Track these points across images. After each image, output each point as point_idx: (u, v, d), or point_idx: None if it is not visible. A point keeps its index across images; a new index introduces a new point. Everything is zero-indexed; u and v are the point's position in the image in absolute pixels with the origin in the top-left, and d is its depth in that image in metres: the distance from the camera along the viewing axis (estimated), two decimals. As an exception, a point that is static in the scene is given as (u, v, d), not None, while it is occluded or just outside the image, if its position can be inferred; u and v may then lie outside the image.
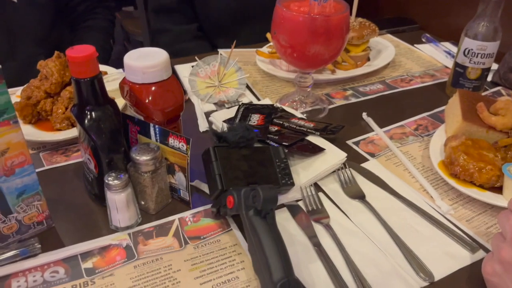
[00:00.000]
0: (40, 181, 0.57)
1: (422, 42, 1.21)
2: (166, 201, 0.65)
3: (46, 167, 0.72)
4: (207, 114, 0.85)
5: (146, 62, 0.59)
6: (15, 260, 0.55)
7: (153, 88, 0.60)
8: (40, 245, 0.57)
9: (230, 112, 0.82)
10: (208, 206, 0.65)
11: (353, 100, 0.93)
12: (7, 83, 0.49)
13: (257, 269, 0.51)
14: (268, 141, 0.71)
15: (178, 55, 1.12)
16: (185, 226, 0.62)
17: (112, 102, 0.59)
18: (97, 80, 0.56)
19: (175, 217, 0.63)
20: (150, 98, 0.60)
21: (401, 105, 0.92)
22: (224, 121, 0.78)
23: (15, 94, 0.83)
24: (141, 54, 0.61)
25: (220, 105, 0.90)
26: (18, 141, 0.51)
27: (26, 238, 0.58)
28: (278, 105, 0.84)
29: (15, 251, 0.56)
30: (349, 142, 0.79)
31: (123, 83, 0.63)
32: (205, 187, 0.68)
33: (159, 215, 0.63)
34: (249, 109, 0.81)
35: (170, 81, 0.62)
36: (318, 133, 0.75)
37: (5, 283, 0.53)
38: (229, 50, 0.92)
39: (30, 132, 0.76)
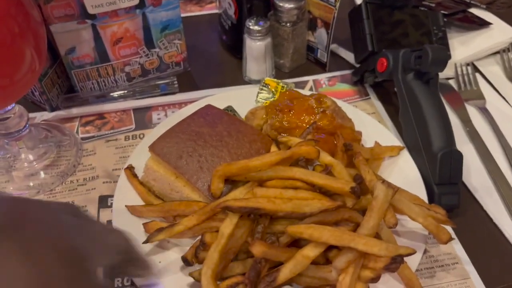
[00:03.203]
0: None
1: None
2: (301, 61, 0.61)
3: (181, 15, 0.71)
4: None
5: None
6: (156, 95, 0.57)
7: None
8: (178, 85, 0.57)
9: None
10: (345, 72, 0.60)
11: (528, -23, 0.76)
12: None
13: (410, 138, 0.46)
14: (422, 8, 0.61)
15: None
16: (319, 88, 0.58)
17: None
18: None
19: (310, 78, 0.59)
20: None
21: None
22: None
23: None
24: None
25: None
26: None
27: (165, 77, 0.58)
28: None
29: (156, 83, 0.57)
30: (519, 22, 0.66)
31: None
32: (343, 52, 0.62)
33: (292, 74, 0.60)
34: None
35: None
36: (485, 6, 0.63)
37: (147, 114, 0.55)
38: None
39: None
